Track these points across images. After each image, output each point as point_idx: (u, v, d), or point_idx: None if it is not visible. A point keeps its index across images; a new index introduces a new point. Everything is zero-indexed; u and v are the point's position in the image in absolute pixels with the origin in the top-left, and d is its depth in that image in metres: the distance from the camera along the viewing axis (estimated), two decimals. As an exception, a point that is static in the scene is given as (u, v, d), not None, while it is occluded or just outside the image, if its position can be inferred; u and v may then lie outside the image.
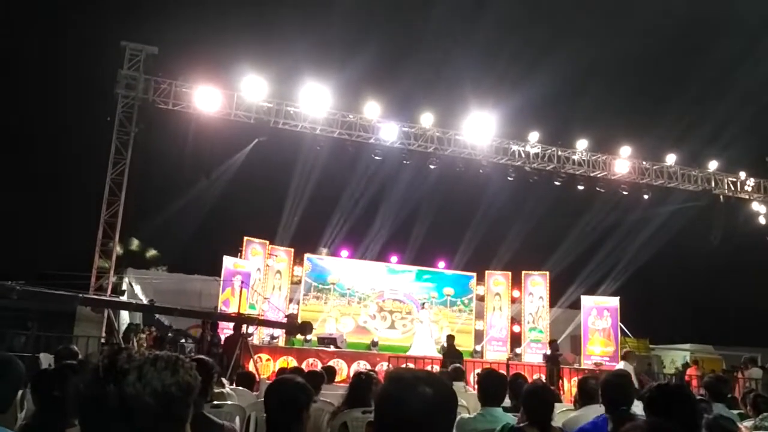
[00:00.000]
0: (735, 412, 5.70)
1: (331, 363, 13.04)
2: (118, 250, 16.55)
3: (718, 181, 20.98)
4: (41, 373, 3.11)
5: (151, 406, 1.51)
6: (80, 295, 12.83)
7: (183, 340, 15.38)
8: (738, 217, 21.27)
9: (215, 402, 4.64)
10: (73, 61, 24.38)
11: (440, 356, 16.31)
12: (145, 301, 16.44)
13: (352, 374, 12.18)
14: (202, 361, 3.67)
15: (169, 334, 15.66)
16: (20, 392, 2.44)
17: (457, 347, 14.38)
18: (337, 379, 10.81)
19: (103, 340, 13.51)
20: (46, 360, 8.85)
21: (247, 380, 7.08)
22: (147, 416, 1.51)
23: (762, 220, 21.69)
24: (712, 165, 20.80)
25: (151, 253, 28.65)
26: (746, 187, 21.32)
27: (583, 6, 28.09)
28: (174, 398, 1.54)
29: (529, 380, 7.53)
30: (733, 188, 21.16)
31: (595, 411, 4.06)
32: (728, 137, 22.65)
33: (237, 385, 6.83)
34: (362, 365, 13.91)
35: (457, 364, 11.35)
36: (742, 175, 21.27)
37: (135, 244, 27.80)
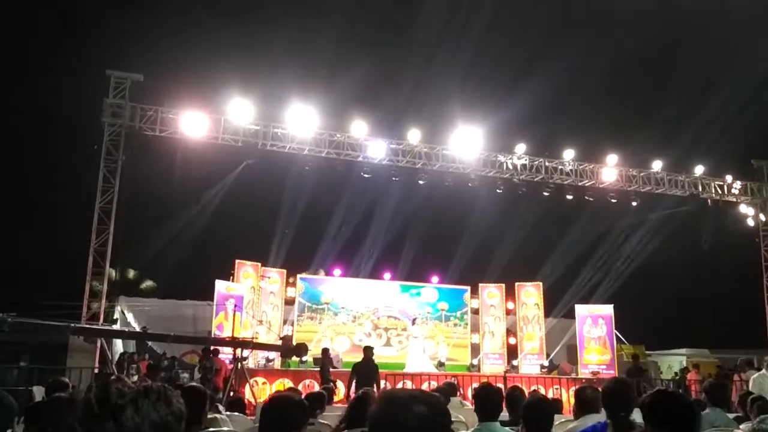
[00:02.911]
0: (731, 415, 5.71)
1: (327, 383, 12.97)
2: (109, 278, 16.45)
3: (705, 185, 21.14)
4: (32, 407, 3.08)
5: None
6: (72, 324, 12.74)
7: (180, 370, 15.27)
8: (727, 220, 21.43)
9: (210, 429, 4.60)
10: (59, 91, 24.37)
11: (437, 372, 16.29)
12: (137, 329, 16.33)
13: (351, 394, 12.13)
14: (194, 389, 3.65)
15: (165, 362, 15.53)
16: (9, 430, 2.42)
17: (451, 361, 14.16)
18: (335, 399, 10.75)
19: (96, 371, 13.38)
20: (39, 393, 8.77)
21: (239, 405, 7.06)
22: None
23: (750, 222, 21.86)
24: (699, 169, 20.96)
25: (145, 283, 28.52)
26: (733, 190, 21.47)
27: (566, 17, 28.45)
28: (172, 427, 1.58)
29: (527, 392, 7.52)
30: (720, 192, 21.32)
31: (594, 421, 4.06)
32: (713, 141, 22.90)
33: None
34: (359, 384, 13.82)
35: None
36: (729, 178, 21.44)
37: (126, 272, 27.65)
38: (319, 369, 13.77)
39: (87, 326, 14.26)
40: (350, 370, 12.36)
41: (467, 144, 18.57)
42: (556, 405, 6.00)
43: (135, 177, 16.63)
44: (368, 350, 12.58)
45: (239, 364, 12.76)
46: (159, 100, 16.77)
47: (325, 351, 14.22)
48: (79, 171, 19.09)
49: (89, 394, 1.53)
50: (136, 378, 12.61)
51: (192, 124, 16.64)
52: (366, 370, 11.90)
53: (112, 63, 16.93)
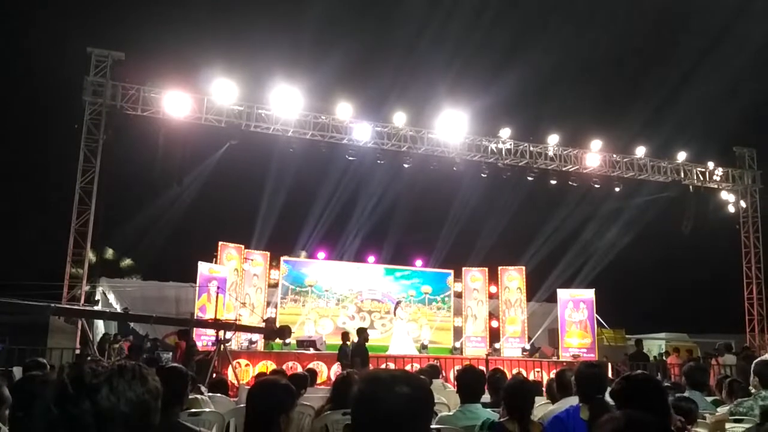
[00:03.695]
0: (710, 399, 5.78)
1: (311, 366, 13.00)
2: (90, 258, 16.30)
3: (687, 171, 21.31)
4: (14, 388, 3.03)
5: (127, 416, 1.52)
6: (52, 304, 12.61)
7: (162, 351, 15.18)
8: (708, 207, 21.64)
9: (192, 410, 4.58)
10: (39, 69, 23.95)
11: (420, 354, 16.37)
12: (119, 310, 16.21)
13: (333, 376, 12.17)
14: (176, 369, 3.62)
15: (147, 344, 15.45)
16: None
17: (434, 344, 14.13)
18: (318, 381, 10.77)
19: (77, 352, 13.29)
20: (19, 374, 8.69)
21: (221, 387, 7.05)
22: (122, 427, 1.51)
23: (731, 209, 22.09)
24: (681, 156, 21.12)
25: (126, 262, 28.32)
26: (715, 177, 21.68)
27: (551, 4, 28.39)
28: (149, 405, 1.58)
29: (509, 375, 7.58)
30: (702, 178, 21.51)
31: (570, 404, 4.09)
32: (696, 128, 23.06)
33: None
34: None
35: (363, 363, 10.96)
36: (711, 165, 21.63)
37: (108, 252, 27.44)
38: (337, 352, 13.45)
39: (67, 306, 14.15)
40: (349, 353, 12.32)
41: (452, 128, 18.54)
42: (536, 387, 6.05)
43: (116, 157, 16.44)
44: (363, 332, 12.59)
45: (222, 346, 12.72)
46: (141, 78, 16.54)
47: (345, 335, 13.64)
48: (59, 150, 18.82)
49: (62, 374, 1.50)
50: (115, 359, 12.54)
51: (174, 103, 16.43)
52: (362, 353, 11.97)
53: (93, 40, 16.67)
